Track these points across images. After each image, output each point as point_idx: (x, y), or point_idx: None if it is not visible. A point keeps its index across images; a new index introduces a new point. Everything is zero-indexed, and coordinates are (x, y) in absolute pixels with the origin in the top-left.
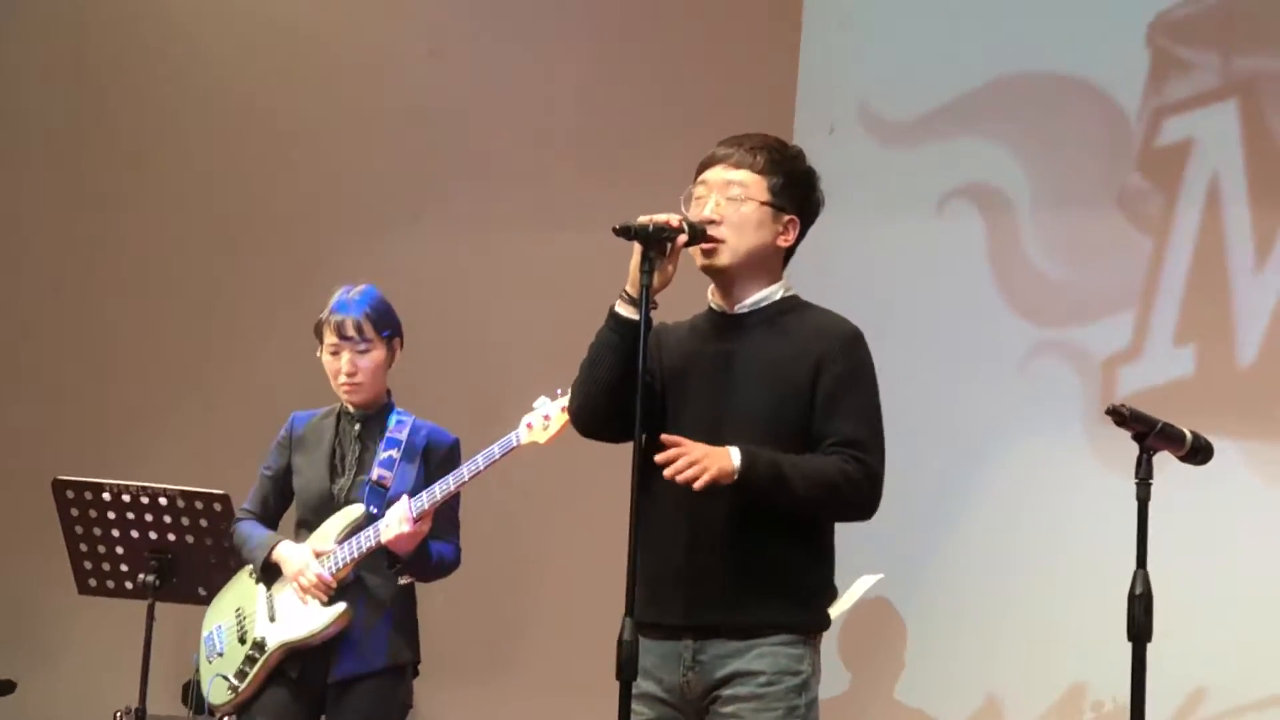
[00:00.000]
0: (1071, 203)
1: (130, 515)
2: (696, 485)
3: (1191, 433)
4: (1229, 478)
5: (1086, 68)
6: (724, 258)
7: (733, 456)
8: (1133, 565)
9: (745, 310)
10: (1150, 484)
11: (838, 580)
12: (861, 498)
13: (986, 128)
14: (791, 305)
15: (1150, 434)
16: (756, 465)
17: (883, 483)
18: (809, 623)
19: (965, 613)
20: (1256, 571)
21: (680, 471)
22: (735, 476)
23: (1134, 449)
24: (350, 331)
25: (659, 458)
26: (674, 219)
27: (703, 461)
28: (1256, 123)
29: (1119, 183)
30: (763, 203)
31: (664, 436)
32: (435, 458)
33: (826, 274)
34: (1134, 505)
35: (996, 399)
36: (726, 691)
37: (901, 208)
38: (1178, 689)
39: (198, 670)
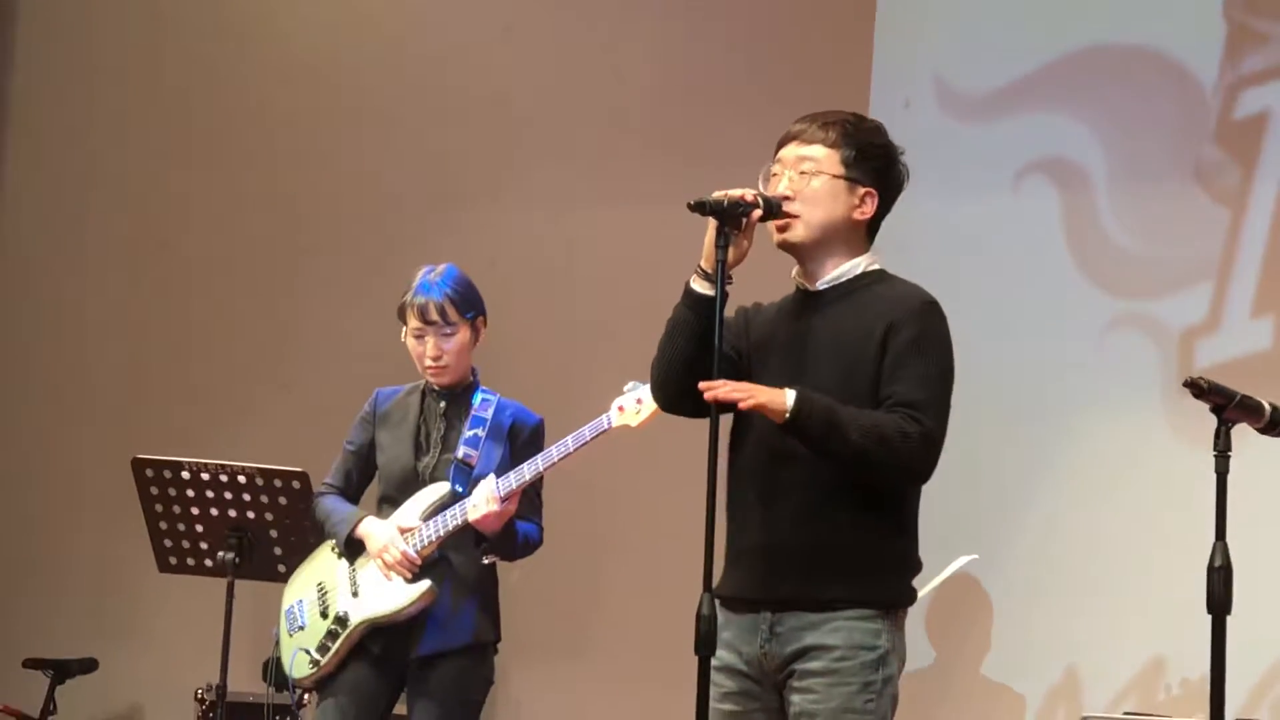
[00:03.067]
0: (1148, 176)
1: (209, 493)
2: (741, 405)
3: (1270, 404)
4: None
5: (1162, 40)
6: (798, 233)
7: (787, 397)
8: (1212, 538)
9: (824, 286)
10: (1229, 456)
11: (929, 559)
12: (914, 457)
13: (1061, 101)
14: (872, 279)
15: (1229, 406)
16: (810, 408)
17: (939, 447)
18: (886, 598)
19: (1047, 588)
20: None
21: (720, 389)
22: (786, 416)
23: (1213, 421)
24: (434, 316)
25: (701, 385)
26: (748, 194)
27: (749, 390)
28: None
29: (1195, 155)
30: (835, 176)
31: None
32: (520, 437)
33: (901, 250)
34: (1213, 478)
35: (1073, 373)
36: (801, 665)
37: (977, 182)
38: (1256, 663)
39: (278, 643)
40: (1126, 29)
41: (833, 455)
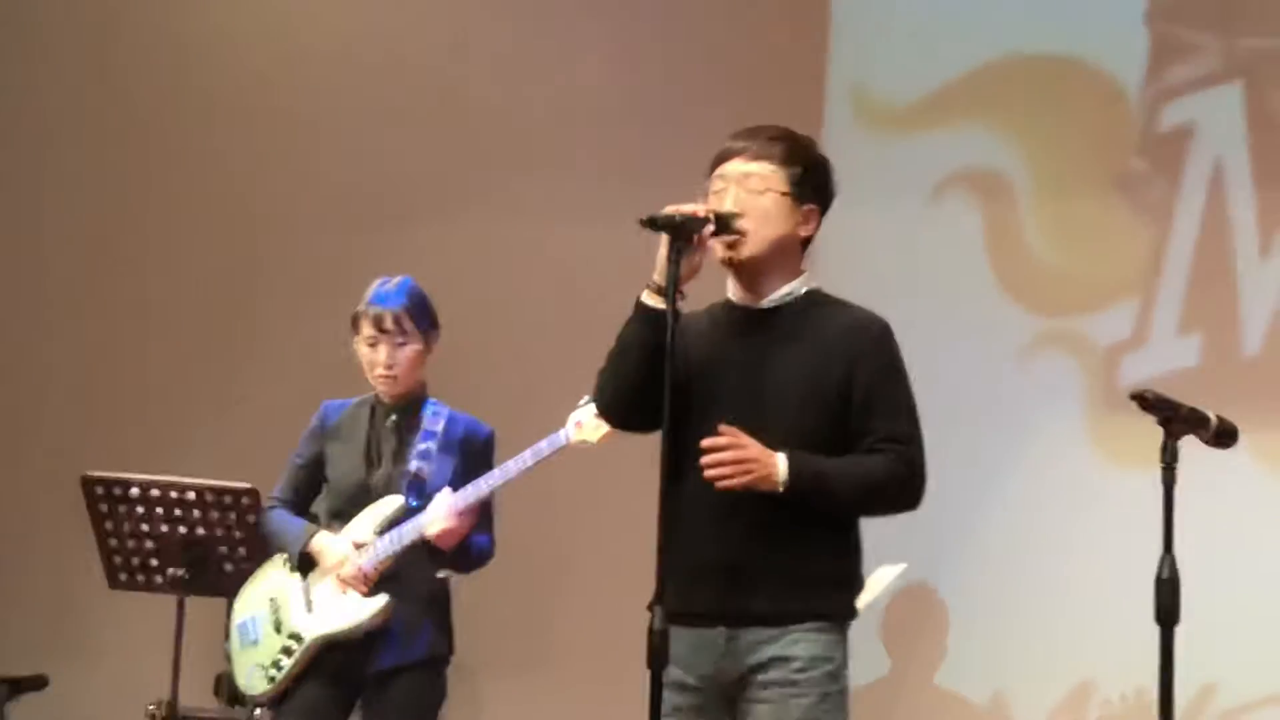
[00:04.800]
0: (1072, 189)
1: (159, 510)
2: (727, 484)
3: (1216, 416)
4: (1233, 468)
5: (1086, 50)
6: (747, 250)
7: (780, 466)
8: (1140, 554)
9: (772, 305)
10: (1175, 469)
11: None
12: (908, 493)
13: (983, 112)
14: (817, 300)
15: (1175, 419)
16: (802, 478)
17: (925, 475)
18: (840, 611)
19: (984, 602)
20: (1262, 563)
21: (721, 465)
22: (780, 489)
23: (1138, 440)
24: (389, 324)
25: (706, 443)
26: (701, 209)
27: (749, 465)
28: (1260, 106)
29: (1120, 168)
30: (783, 193)
31: (721, 428)
32: (472, 450)
33: (817, 264)
34: (1137, 495)
35: (996, 391)
36: (761, 677)
37: (896, 196)
38: (1187, 680)
39: (230, 659)
40: (1049, 38)
41: (825, 510)
